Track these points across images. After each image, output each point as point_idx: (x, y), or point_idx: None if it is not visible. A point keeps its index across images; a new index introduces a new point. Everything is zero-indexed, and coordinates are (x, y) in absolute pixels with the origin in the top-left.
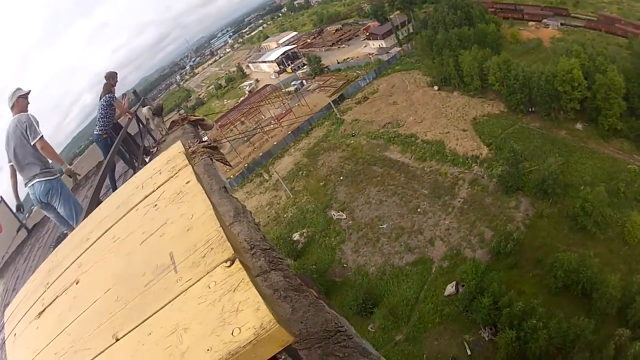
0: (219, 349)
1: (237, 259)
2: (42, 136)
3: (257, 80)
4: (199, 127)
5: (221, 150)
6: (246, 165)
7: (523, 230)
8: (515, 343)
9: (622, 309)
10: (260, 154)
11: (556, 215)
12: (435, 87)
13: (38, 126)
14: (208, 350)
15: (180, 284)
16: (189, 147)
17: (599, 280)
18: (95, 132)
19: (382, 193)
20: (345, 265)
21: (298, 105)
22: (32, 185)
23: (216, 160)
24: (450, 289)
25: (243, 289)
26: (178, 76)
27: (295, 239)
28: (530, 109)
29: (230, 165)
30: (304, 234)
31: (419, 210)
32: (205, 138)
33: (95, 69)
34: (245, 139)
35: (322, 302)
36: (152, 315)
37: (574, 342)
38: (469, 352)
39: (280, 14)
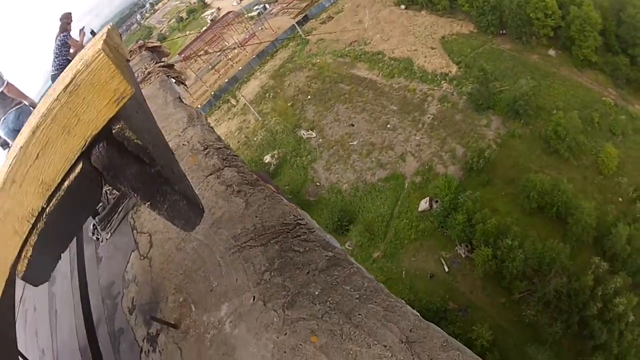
0: None
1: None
2: (7, 82)
3: (218, 9)
4: (156, 54)
5: (183, 77)
6: (212, 93)
7: (495, 148)
8: (491, 261)
9: (598, 239)
10: (226, 80)
11: (528, 136)
12: (402, 6)
13: (2, 75)
14: None
15: None
16: (146, 69)
17: (573, 205)
18: (51, 73)
19: (350, 110)
20: (318, 184)
21: (262, 29)
22: (5, 119)
23: (172, 77)
24: (424, 204)
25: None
26: (138, 15)
27: (266, 161)
28: (501, 31)
29: (185, 84)
30: (275, 156)
31: (388, 126)
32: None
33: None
34: (210, 67)
35: (281, 196)
36: None
37: (550, 266)
38: (446, 269)
39: None
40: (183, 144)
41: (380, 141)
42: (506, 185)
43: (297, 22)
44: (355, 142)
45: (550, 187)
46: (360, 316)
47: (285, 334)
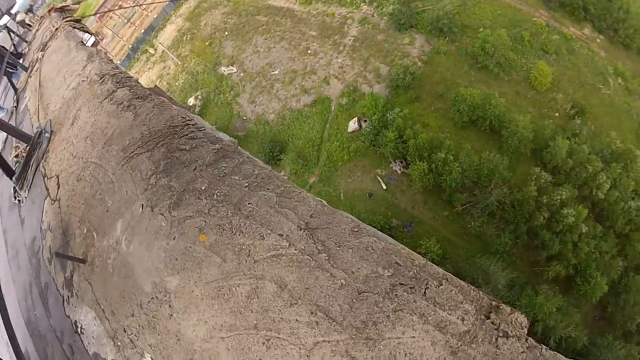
0: None
1: None
2: None
3: None
4: (65, 13)
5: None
6: (130, 46)
7: (420, 65)
8: (428, 175)
9: (536, 152)
10: (142, 30)
11: (454, 52)
12: None
13: None
14: None
15: None
16: (54, 27)
17: (507, 119)
18: None
19: (269, 40)
20: (244, 118)
21: None
22: None
23: (78, 28)
24: (353, 125)
25: None
26: None
27: (191, 103)
28: None
29: (91, 32)
30: (199, 97)
31: (309, 51)
32: (87, 35)
33: None
34: (126, 21)
35: (170, 102)
36: None
37: (490, 177)
38: (384, 187)
39: None
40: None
41: (302, 67)
42: (435, 100)
43: None
44: (276, 72)
45: (481, 100)
46: (250, 205)
47: (174, 238)
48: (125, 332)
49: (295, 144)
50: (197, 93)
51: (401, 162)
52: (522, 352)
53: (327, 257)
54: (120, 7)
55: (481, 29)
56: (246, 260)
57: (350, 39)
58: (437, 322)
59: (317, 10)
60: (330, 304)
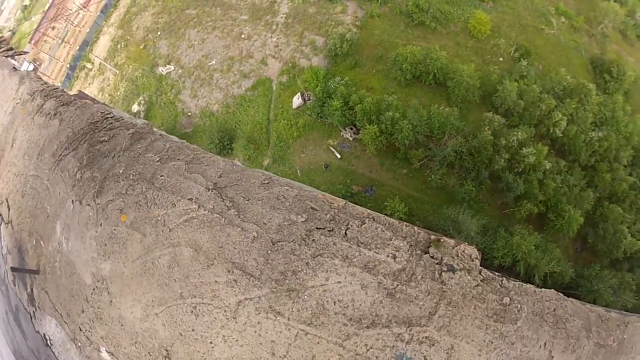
0: None
1: None
2: None
3: None
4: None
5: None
6: (68, 65)
7: (356, 31)
8: (380, 137)
9: (486, 97)
10: (77, 47)
11: (388, 14)
12: None
13: None
14: None
15: None
16: None
17: (451, 70)
18: None
19: (202, 32)
20: (189, 114)
21: None
22: None
23: (13, 56)
24: (297, 100)
25: None
26: None
27: (135, 110)
28: None
29: (22, 52)
30: (141, 102)
31: (243, 36)
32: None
33: None
34: (60, 41)
35: (92, 101)
36: None
37: (442, 129)
38: (338, 156)
39: None
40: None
41: (238, 53)
42: (376, 63)
43: None
44: (213, 62)
45: (422, 56)
46: (162, 177)
47: (101, 225)
48: (81, 330)
49: (244, 129)
50: (139, 98)
51: (351, 129)
52: (477, 285)
53: (236, 213)
54: (53, 29)
55: None
56: (162, 231)
57: (282, 17)
58: (364, 263)
59: None
60: (245, 259)
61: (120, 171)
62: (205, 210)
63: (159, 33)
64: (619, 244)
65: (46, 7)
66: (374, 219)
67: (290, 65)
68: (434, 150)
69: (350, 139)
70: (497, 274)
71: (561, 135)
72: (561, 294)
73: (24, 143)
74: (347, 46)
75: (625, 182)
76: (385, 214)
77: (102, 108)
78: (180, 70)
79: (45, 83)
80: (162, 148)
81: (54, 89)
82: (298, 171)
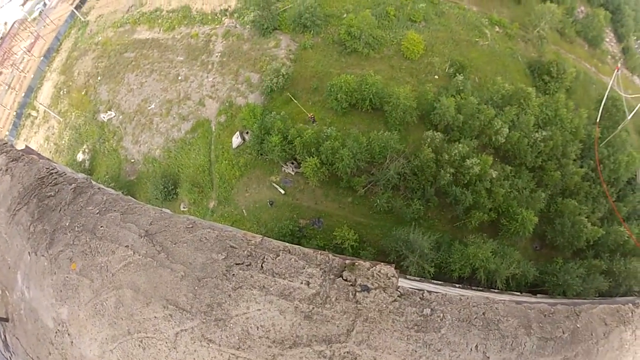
0: None
1: None
2: None
3: (5, 24)
4: None
5: None
6: (15, 113)
7: (290, 65)
8: (322, 168)
9: (424, 116)
10: (23, 94)
11: (321, 44)
12: None
13: None
14: None
15: None
16: None
17: (386, 94)
18: None
19: (140, 76)
20: (133, 160)
21: (44, 26)
22: None
23: None
24: (236, 140)
25: None
26: None
27: (80, 159)
28: None
29: None
30: (86, 150)
31: (180, 78)
32: None
33: None
34: (6, 87)
35: (37, 157)
36: None
37: (383, 154)
38: (282, 192)
39: None
40: None
41: (175, 95)
42: (312, 95)
43: (75, 7)
44: (152, 106)
45: (356, 84)
46: (102, 228)
47: (55, 273)
48: None
49: (187, 173)
50: (84, 147)
51: (292, 163)
52: (394, 300)
53: (166, 256)
54: (1, 74)
55: (345, 15)
56: (107, 276)
57: (217, 56)
58: (280, 291)
59: (180, 34)
60: (177, 295)
61: (67, 224)
62: (139, 255)
63: (99, 78)
64: (580, 235)
65: None
66: (288, 251)
67: (227, 104)
68: (376, 175)
69: (292, 173)
70: (417, 289)
71: (504, 142)
72: (491, 298)
73: None
74: (282, 81)
75: (576, 175)
76: (336, 244)
77: (47, 164)
78: (121, 116)
79: None
80: (101, 201)
81: (4, 144)
82: (244, 211)
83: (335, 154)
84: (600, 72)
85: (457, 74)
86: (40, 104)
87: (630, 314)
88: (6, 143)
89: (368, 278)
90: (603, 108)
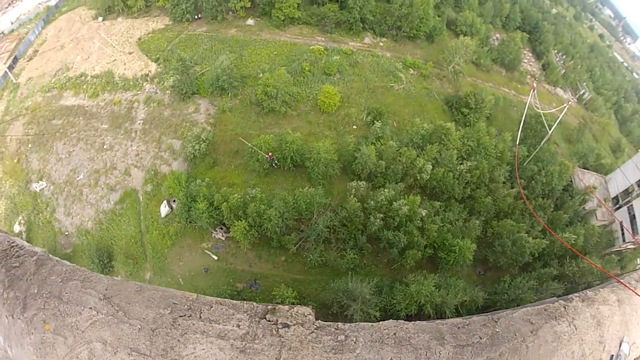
0: None
1: None
2: None
3: None
4: None
5: None
6: None
7: (210, 129)
8: (251, 231)
9: (347, 167)
10: None
11: (239, 106)
12: (100, 19)
13: None
14: None
15: None
16: None
17: (307, 150)
18: None
19: (68, 144)
20: (67, 233)
21: None
22: None
23: None
24: (164, 209)
25: None
26: None
27: (17, 230)
28: (196, 17)
29: None
30: (21, 221)
31: (105, 146)
32: None
33: None
34: None
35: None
36: None
37: (310, 209)
38: (215, 258)
39: None
40: None
41: (102, 165)
42: (233, 158)
43: (8, 67)
44: (81, 176)
45: (276, 143)
46: (67, 294)
47: (32, 333)
48: None
49: (120, 245)
50: (19, 218)
51: (221, 229)
52: (311, 332)
53: (123, 313)
54: None
55: (261, 75)
56: (77, 333)
57: (139, 123)
58: (217, 333)
59: (104, 100)
60: (137, 344)
61: (35, 291)
62: (102, 314)
63: (30, 145)
64: (523, 250)
65: None
66: (220, 303)
67: (152, 173)
68: (306, 232)
69: (223, 238)
70: (331, 323)
71: (429, 179)
72: (401, 321)
73: None
74: (204, 146)
75: (508, 197)
76: (277, 303)
77: (7, 237)
78: (52, 187)
79: None
80: (61, 271)
81: None
82: (180, 280)
83: (263, 215)
84: (520, 93)
85: (375, 121)
86: None
87: (562, 309)
88: None
89: (287, 318)
90: (527, 127)
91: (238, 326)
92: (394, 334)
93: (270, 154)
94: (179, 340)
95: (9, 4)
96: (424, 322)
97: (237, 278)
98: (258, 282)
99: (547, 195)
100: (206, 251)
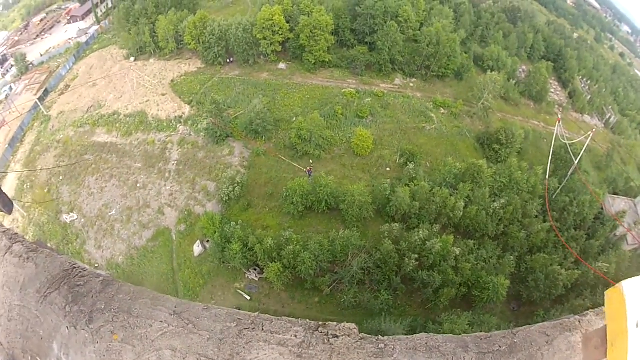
0: None
1: None
2: None
3: None
4: None
5: None
6: None
7: (244, 172)
8: (285, 273)
9: (380, 209)
10: None
11: (273, 150)
12: (132, 59)
13: None
14: None
15: None
16: None
17: (341, 193)
18: None
19: (100, 180)
20: (96, 265)
21: (9, 112)
22: None
23: None
24: (197, 248)
25: None
26: None
27: None
28: (228, 60)
29: None
30: None
31: (138, 185)
32: None
33: None
34: None
35: (55, 252)
36: None
37: (345, 251)
38: (248, 298)
39: None
40: None
41: (135, 203)
42: (268, 201)
43: (39, 99)
44: (113, 212)
45: (310, 187)
46: (137, 309)
47: (97, 342)
48: None
49: (150, 281)
50: (49, 245)
51: (255, 269)
52: (356, 341)
53: (193, 326)
54: None
55: (294, 118)
56: (147, 342)
57: (173, 164)
58: (278, 341)
59: (137, 140)
60: (206, 351)
61: (103, 307)
62: (173, 326)
63: (61, 177)
64: (557, 283)
65: None
66: (278, 319)
67: (186, 213)
68: (340, 273)
69: (256, 279)
70: (373, 336)
71: (462, 217)
72: (432, 334)
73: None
74: (238, 189)
75: (542, 231)
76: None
77: (69, 259)
78: (83, 220)
79: (2, 225)
80: (129, 291)
81: (16, 234)
82: None
83: (297, 257)
84: (549, 124)
85: (408, 163)
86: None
87: (577, 322)
88: (17, 234)
89: (336, 331)
90: (557, 158)
91: (295, 336)
92: (426, 343)
93: (309, 168)
94: (244, 347)
95: (37, 36)
96: (451, 335)
97: None
98: None
99: (579, 225)
100: (239, 291)
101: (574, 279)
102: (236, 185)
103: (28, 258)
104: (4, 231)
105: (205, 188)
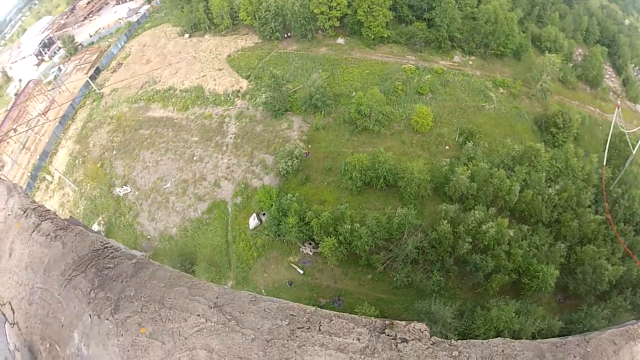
0: None
1: None
2: None
3: (20, 80)
4: None
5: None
6: (29, 174)
7: (303, 146)
8: (340, 248)
9: (438, 188)
10: (38, 157)
11: (332, 124)
12: (187, 35)
13: None
14: None
15: None
16: None
17: (400, 170)
18: None
19: (155, 154)
20: (149, 237)
21: (60, 92)
22: None
23: None
24: (253, 221)
25: None
26: None
27: (96, 230)
28: (285, 35)
29: None
30: (101, 222)
31: (195, 158)
32: None
33: None
34: (22, 146)
35: (88, 230)
36: None
37: (401, 229)
38: (301, 272)
39: (35, 2)
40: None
41: (191, 176)
42: (326, 175)
43: (90, 77)
44: (168, 184)
45: (369, 162)
46: (170, 299)
47: (122, 335)
48: None
49: (203, 253)
50: (99, 218)
51: (310, 244)
52: (427, 348)
53: (236, 323)
54: (15, 131)
55: (354, 93)
56: (179, 339)
57: (231, 137)
58: (337, 346)
59: (194, 114)
60: (249, 354)
61: (132, 294)
62: (211, 322)
63: (114, 152)
64: (602, 278)
65: (9, 106)
66: (339, 317)
67: (242, 186)
68: (395, 251)
69: (311, 253)
70: (446, 340)
71: (518, 201)
72: (508, 339)
73: (24, 256)
74: (296, 163)
75: (593, 222)
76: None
77: (101, 238)
78: (137, 192)
79: (34, 201)
80: (164, 276)
81: (47, 211)
82: (263, 291)
83: (354, 233)
84: (604, 111)
85: (467, 142)
86: (56, 169)
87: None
88: (48, 210)
89: (405, 333)
90: (611, 147)
91: (358, 340)
92: (502, 350)
93: (307, 151)
94: (295, 352)
95: (85, 18)
96: (527, 341)
97: (320, 293)
98: (342, 298)
99: (628, 219)
100: (292, 265)
101: (618, 275)
102: (294, 158)
103: (56, 237)
104: (34, 208)
105: (263, 161)
